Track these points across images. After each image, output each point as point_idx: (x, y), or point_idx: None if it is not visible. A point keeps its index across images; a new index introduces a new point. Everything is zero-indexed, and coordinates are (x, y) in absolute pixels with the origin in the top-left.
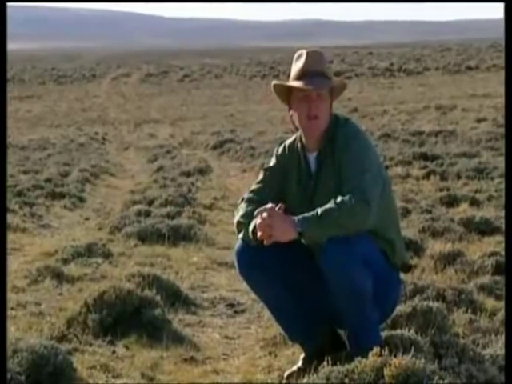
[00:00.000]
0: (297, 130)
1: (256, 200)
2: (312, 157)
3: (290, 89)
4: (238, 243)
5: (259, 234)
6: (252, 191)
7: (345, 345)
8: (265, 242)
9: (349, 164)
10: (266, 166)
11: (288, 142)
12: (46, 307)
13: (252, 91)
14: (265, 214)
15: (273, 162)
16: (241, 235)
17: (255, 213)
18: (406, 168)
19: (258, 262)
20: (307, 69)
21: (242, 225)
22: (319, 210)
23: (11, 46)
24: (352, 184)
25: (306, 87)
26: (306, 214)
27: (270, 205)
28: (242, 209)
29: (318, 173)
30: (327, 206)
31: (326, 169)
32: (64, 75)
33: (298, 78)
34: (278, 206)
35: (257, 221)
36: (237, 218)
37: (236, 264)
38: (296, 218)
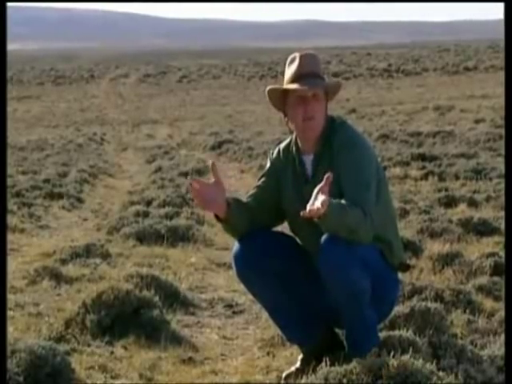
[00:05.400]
0: (292, 132)
1: (253, 206)
2: (308, 159)
3: (285, 93)
4: (235, 245)
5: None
6: (249, 197)
7: (343, 345)
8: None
9: (346, 169)
10: (262, 172)
11: (283, 145)
12: (44, 308)
13: (250, 92)
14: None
15: (268, 166)
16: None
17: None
18: (405, 169)
19: (256, 264)
20: (301, 71)
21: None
22: (342, 201)
23: (10, 46)
24: (353, 198)
25: (301, 88)
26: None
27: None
28: None
29: (315, 176)
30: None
31: (323, 172)
32: (62, 76)
33: (293, 80)
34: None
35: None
36: None
37: (234, 266)
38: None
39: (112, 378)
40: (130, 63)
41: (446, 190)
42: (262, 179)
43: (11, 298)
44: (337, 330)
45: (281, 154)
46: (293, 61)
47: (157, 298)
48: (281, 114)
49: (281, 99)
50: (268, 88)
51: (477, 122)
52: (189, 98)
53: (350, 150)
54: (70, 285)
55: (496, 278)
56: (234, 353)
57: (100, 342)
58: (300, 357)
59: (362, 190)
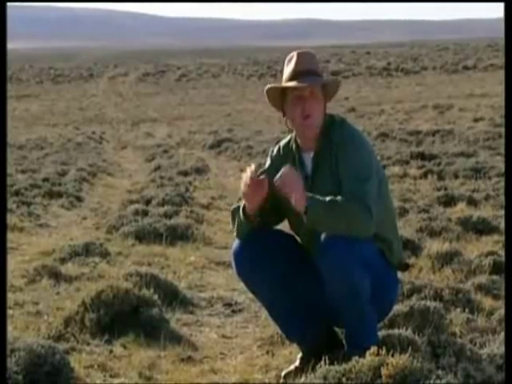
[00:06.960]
0: (292, 130)
1: None
2: (308, 157)
3: (284, 91)
4: (235, 243)
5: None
6: None
7: (342, 344)
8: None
9: (346, 168)
10: (262, 169)
11: (283, 142)
12: (43, 306)
13: (249, 90)
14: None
15: (268, 163)
16: (235, 231)
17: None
18: (404, 167)
19: (255, 262)
20: (299, 69)
21: (237, 210)
22: (328, 198)
23: (9, 45)
24: (351, 191)
25: (298, 85)
26: (315, 195)
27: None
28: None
29: (314, 173)
30: (336, 197)
31: (322, 169)
32: (61, 74)
33: (291, 78)
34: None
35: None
36: (232, 209)
37: (233, 264)
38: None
39: (111, 376)
40: (129, 62)
41: (446, 188)
42: (261, 177)
43: (10, 296)
44: (336, 329)
45: (281, 151)
46: (290, 59)
47: (156, 297)
48: (280, 113)
49: (279, 98)
50: (267, 87)
51: (476, 120)
52: (188, 96)
53: (349, 146)
54: (70, 283)
55: (495, 277)
56: (233, 352)
57: (99, 341)
58: (299, 355)
59: (359, 183)
